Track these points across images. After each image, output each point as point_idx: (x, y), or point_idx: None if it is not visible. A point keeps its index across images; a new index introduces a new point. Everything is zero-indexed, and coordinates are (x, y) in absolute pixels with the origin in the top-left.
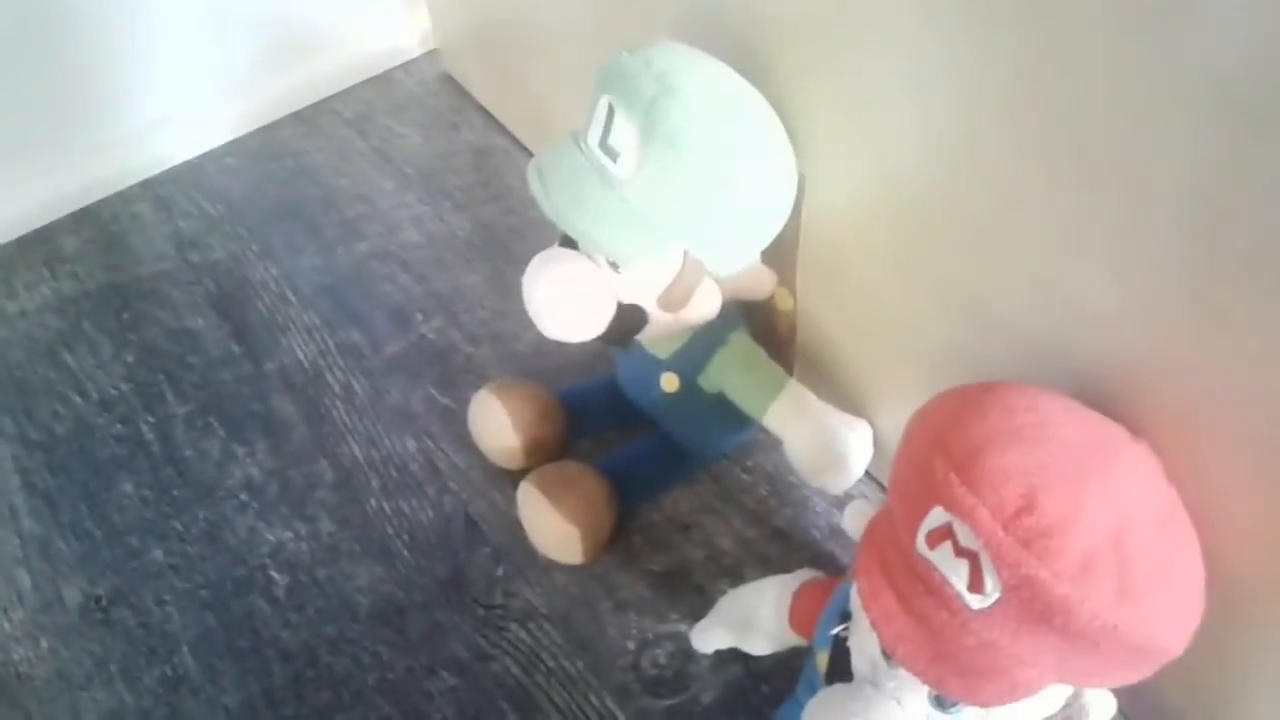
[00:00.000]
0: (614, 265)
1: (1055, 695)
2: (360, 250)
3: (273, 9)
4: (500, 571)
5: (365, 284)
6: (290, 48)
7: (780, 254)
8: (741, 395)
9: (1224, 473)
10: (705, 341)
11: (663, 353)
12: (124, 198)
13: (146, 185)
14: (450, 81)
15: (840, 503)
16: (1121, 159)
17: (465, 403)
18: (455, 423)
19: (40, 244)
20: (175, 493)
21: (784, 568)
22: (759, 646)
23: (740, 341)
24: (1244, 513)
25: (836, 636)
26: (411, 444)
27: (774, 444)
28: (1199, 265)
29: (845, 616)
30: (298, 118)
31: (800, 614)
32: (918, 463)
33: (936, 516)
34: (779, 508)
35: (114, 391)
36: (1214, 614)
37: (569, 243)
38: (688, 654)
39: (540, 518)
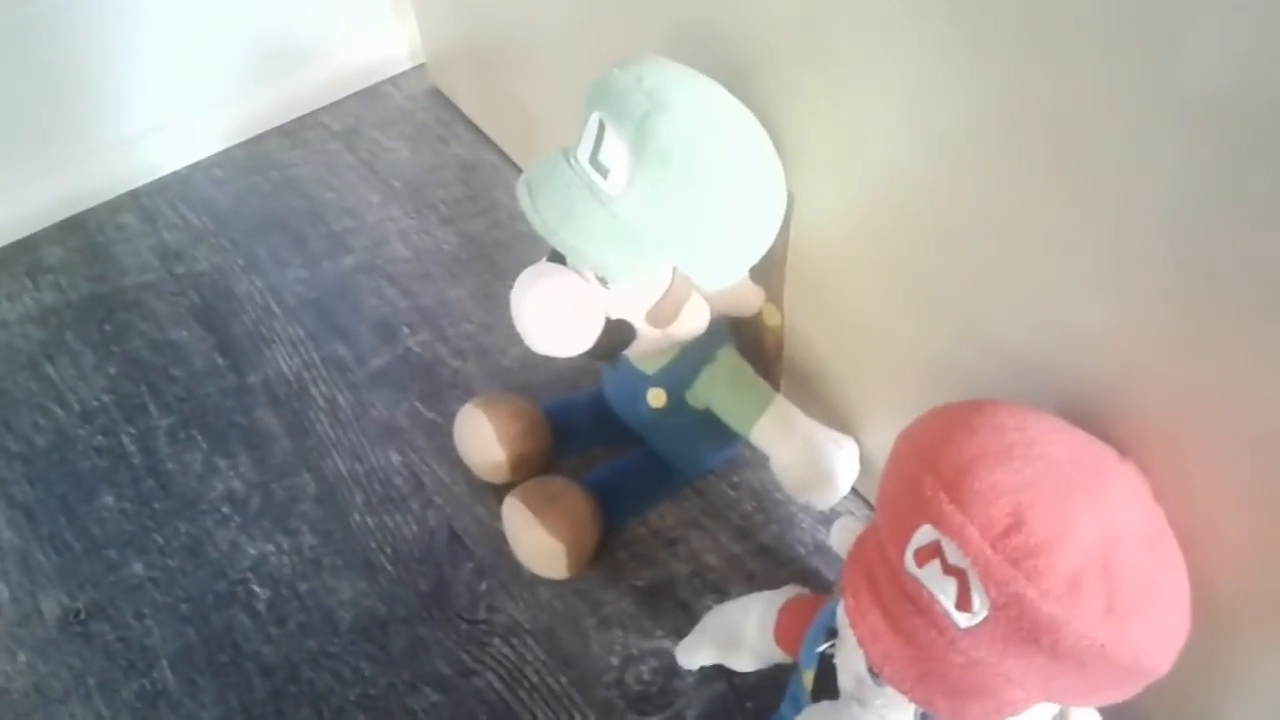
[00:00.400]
0: (602, 280)
1: (1042, 714)
2: (346, 263)
3: (261, 21)
4: (484, 586)
5: (351, 297)
6: (278, 60)
7: (769, 270)
8: (728, 411)
9: (1210, 492)
10: (693, 357)
11: (650, 368)
12: (109, 208)
13: (132, 196)
14: (438, 95)
15: (826, 519)
16: (1111, 179)
17: (451, 417)
18: (440, 437)
19: (23, 253)
20: (156, 505)
21: (769, 584)
22: (744, 663)
23: (728, 357)
24: (1230, 532)
25: (823, 654)
26: (396, 458)
27: (760, 460)
28: (1187, 286)
29: (831, 634)
30: (285, 130)
31: (785, 631)
32: (906, 480)
33: (925, 534)
34: (765, 524)
35: (95, 403)
36: (1199, 634)
37: (557, 257)
38: (672, 670)
39: (525, 532)
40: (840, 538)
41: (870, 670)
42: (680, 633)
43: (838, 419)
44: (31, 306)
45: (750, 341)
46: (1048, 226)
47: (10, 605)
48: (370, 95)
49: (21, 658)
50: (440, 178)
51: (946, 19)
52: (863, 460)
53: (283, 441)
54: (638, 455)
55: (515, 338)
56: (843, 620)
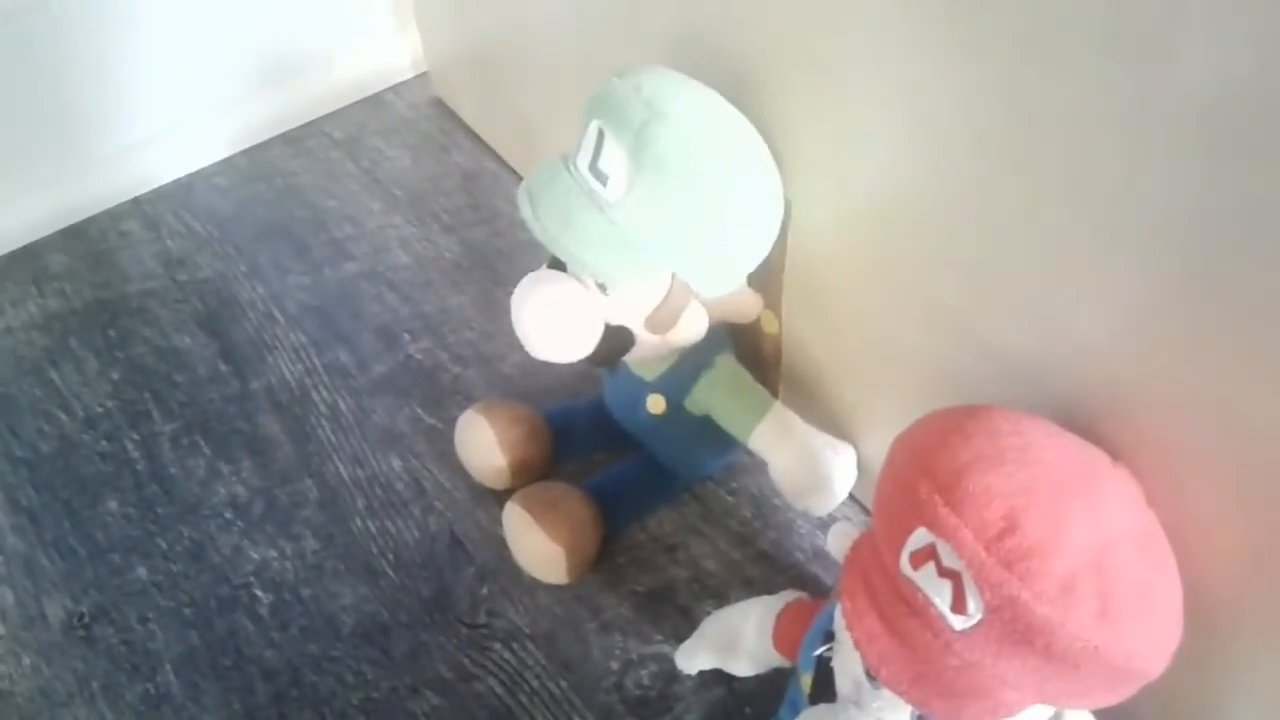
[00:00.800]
0: (602, 287)
1: (1036, 716)
2: (348, 270)
3: (265, 30)
4: (485, 591)
5: (353, 304)
6: (281, 69)
7: (767, 277)
8: (726, 417)
9: (1202, 496)
10: (691, 364)
11: (649, 374)
12: (113, 216)
13: (135, 203)
14: (440, 104)
15: (824, 525)
16: (1104, 186)
17: (452, 423)
18: (441, 442)
19: (28, 261)
20: (160, 510)
21: (768, 589)
22: (743, 668)
23: (726, 364)
24: (1222, 536)
25: (820, 657)
26: (397, 463)
27: (759, 466)
28: (1181, 292)
29: (829, 637)
30: (288, 138)
31: (784, 635)
32: (902, 484)
33: (920, 537)
34: (763, 530)
35: (99, 409)
36: (1192, 636)
37: (557, 264)
38: (672, 675)
39: (525, 537)
40: (837, 542)
41: (867, 673)
42: (680, 638)
43: (835, 425)
44: (36, 313)
45: (749, 348)
46: (1043, 233)
47: (15, 609)
48: (372, 104)
49: (26, 661)
50: (442, 186)
51: (943, 26)
52: (860, 466)
53: (285, 447)
54: (637, 461)
55: (516, 345)
56: (840, 624)
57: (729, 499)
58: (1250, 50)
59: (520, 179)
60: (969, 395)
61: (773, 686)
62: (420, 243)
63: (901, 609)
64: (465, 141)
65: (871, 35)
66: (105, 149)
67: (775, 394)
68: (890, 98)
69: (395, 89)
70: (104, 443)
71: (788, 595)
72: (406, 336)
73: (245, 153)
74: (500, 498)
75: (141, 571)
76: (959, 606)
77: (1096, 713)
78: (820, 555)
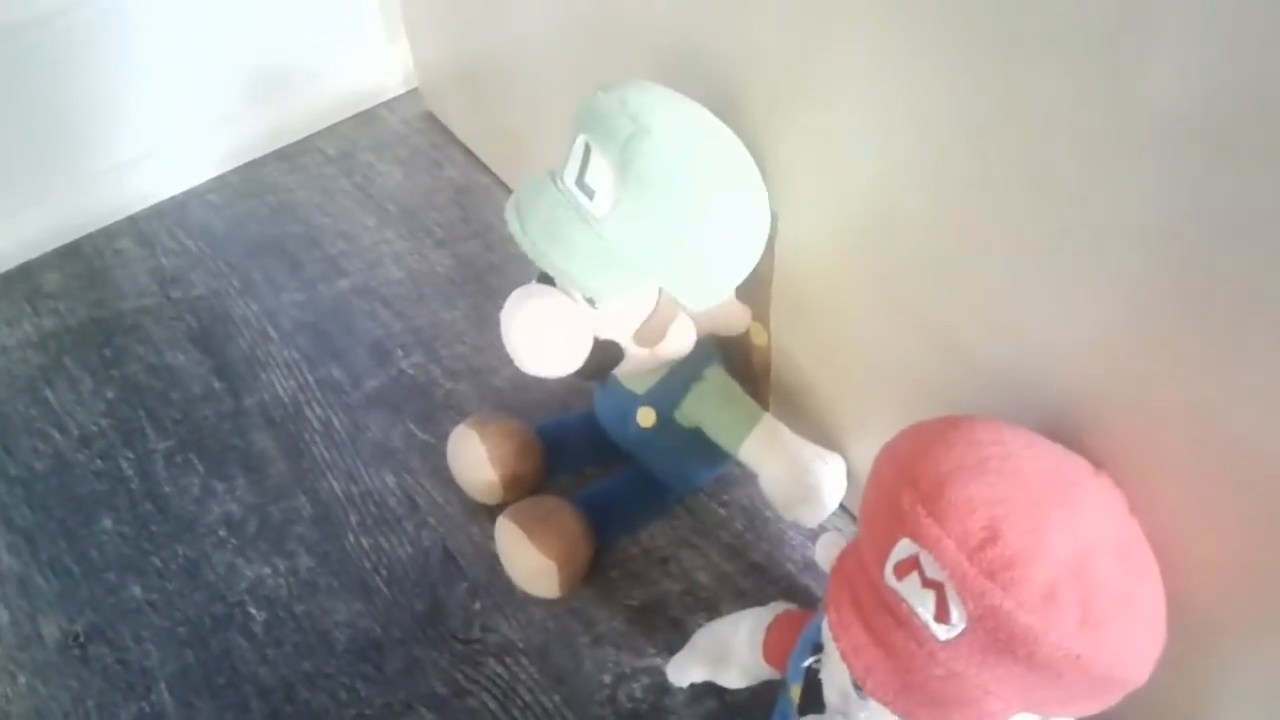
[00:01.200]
0: (590, 301)
1: None
2: (341, 286)
3: (257, 48)
4: (478, 606)
5: (346, 320)
6: (274, 85)
7: (755, 290)
8: (716, 430)
9: (1184, 505)
10: (681, 376)
11: (639, 388)
12: (107, 234)
13: (130, 221)
14: (432, 119)
15: (816, 536)
16: (1084, 198)
17: (444, 438)
18: (434, 458)
19: (22, 279)
20: (154, 529)
21: (760, 601)
22: (734, 680)
23: (715, 376)
24: (1205, 544)
25: (809, 668)
26: (390, 479)
27: (751, 478)
28: (1160, 303)
29: (817, 649)
30: (281, 155)
31: (774, 647)
32: (885, 495)
33: (904, 548)
34: (755, 542)
35: (94, 427)
36: (1177, 644)
37: (546, 279)
38: (664, 688)
39: (517, 552)
40: (824, 553)
41: (854, 684)
42: (672, 650)
43: (825, 436)
44: (31, 332)
45: (738, 361)
46: (1024, 246)
47: (10, 629)
48: (365, 120)
49: (22, 680)
50: (434, 201)
51: (924, 39)
52: (851, 477)
53: (279, 464)
54: (629, 474)
55: (508, 358)
56: (828, 635)
57: (721, 511)
58: (1217, 60)
59: (512, 192)
60: (955, 406)
61: (764, 699)
62: (413, 257)
63: (887, 619)
64: (457, 155)
65: (855, 52)
66: (99, 167)
67: (765, 405)
68: (873, 113)
69: (387, 105)
70: (98, 461)
71: (777, 607)
72: (399, 352)
73: (239, 170)
74: (493, 512)
75: (136, 590)
76: (943, 616)
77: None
78: (812, 566)
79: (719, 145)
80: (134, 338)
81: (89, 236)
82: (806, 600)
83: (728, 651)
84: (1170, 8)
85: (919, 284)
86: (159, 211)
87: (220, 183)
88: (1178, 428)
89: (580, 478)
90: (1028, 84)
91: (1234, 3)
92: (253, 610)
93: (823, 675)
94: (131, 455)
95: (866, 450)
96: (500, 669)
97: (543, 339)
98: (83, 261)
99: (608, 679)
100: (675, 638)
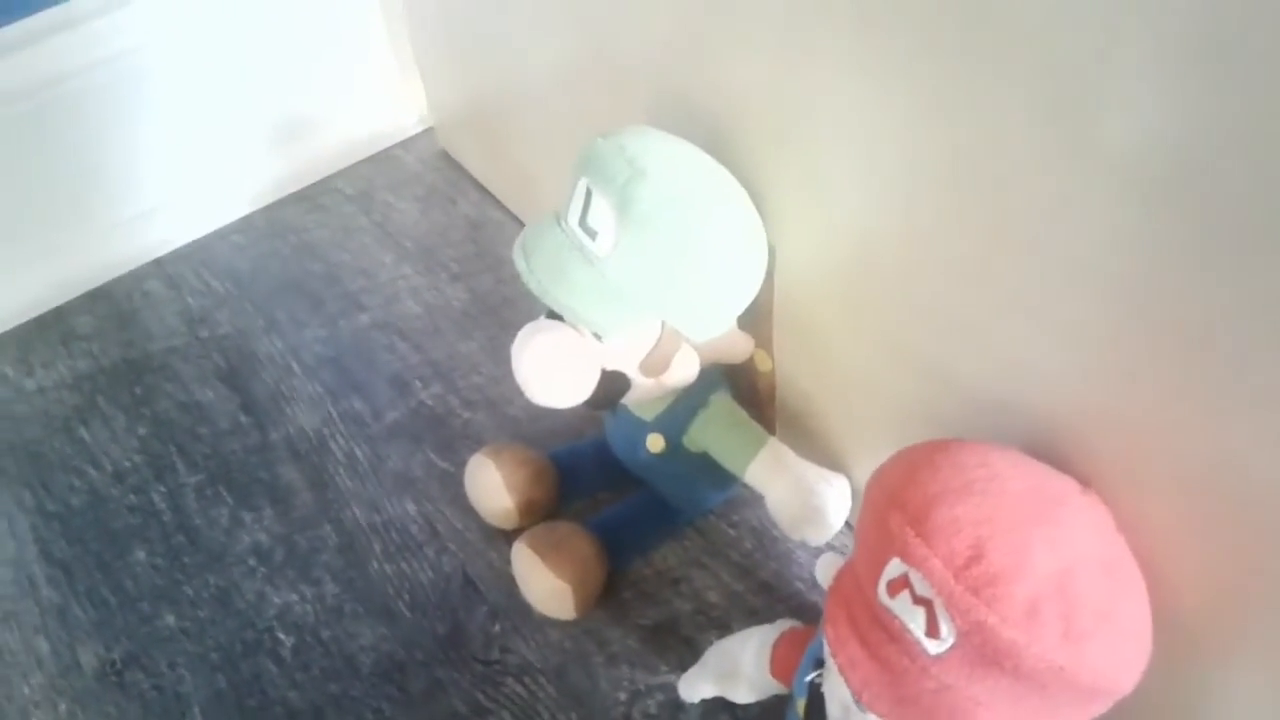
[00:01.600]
0: (596, 335)
1: None
2: (361, 321)
3: (276, 94)
4: (497, 628)
5: (366, 354)
6: (293, 130)
7: (757, 320)
8: (723, 454)
9: (1170, 521)
10: (688, 403)
11: (648, 415)
12: (135, 276)
13: (157, 264)
14: (447, 158)
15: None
16: (1052, 234)
17: (463, 466)
18: (453, 486)
19: (56, 323)
20: (186, 559)
21: (770, 619)
22: (743, 695)
23: (721, 402)
24: (1191, 559)
25: (811, 683)
26: (411, 507)
27: (758, 500)
28: (1127, 329)
29: (819, 664)
30: (302, 196)
31: (780, 662)
32: (876, 517)
33: (895, 567)
34: (764, 561)
35: (127, 463)
36: (1164, 657)
37: (556, 314)
38: (677, 704)
39: (533, 575)
40: (823, 572)
41: (854, 697)
42: (685, 668)
43: (830, 458)
44: (65, 373)
45: (744, 387)
46: (1000, 279)
47: (50, 658)
48: (382, 160)
49: (62, 707)
50: (450, 237)
51: (900, 90)
52: (855, 496)
53: (304, 495)
54: (640, 498)
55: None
56: (829, 651)
57: (730, 532)
58: (1164, 102)
59: (525, 226)
60: (950, 429)
61: (775, 714)
62: (430, 292)
63: (881, 635)
64: (471, 192)
65: (840, 99)
66: (126, 213)
67: (772, 430)
68: (856, 156)
69: (403, 144)
70: (132, 496)
71: (783, 624)
72: (418, 384)
73: (261, 211)
74: (510, 538)
75: (170, 619)
76: (933, 632)
77: None
78: (819, 585)
79: (714, 184)
80: (164, 376)
81: (118, 280)
82: (814, 617)
83: (736, 668)
84: (1123, 64)
85: (906, 315)
86: (185, 254)
87: (244, 224)
88: (1160, 447)
89: (593, 503)
90: (996, 132)
91: (1179, 63)
92: (281, 636)
93: (825, 689)
94: (163, 489)
95: (869, 471)
96: (519, 688)
97: (551, 372)
98: (113, 304)
99: (623, 696)
100: (688, 655)
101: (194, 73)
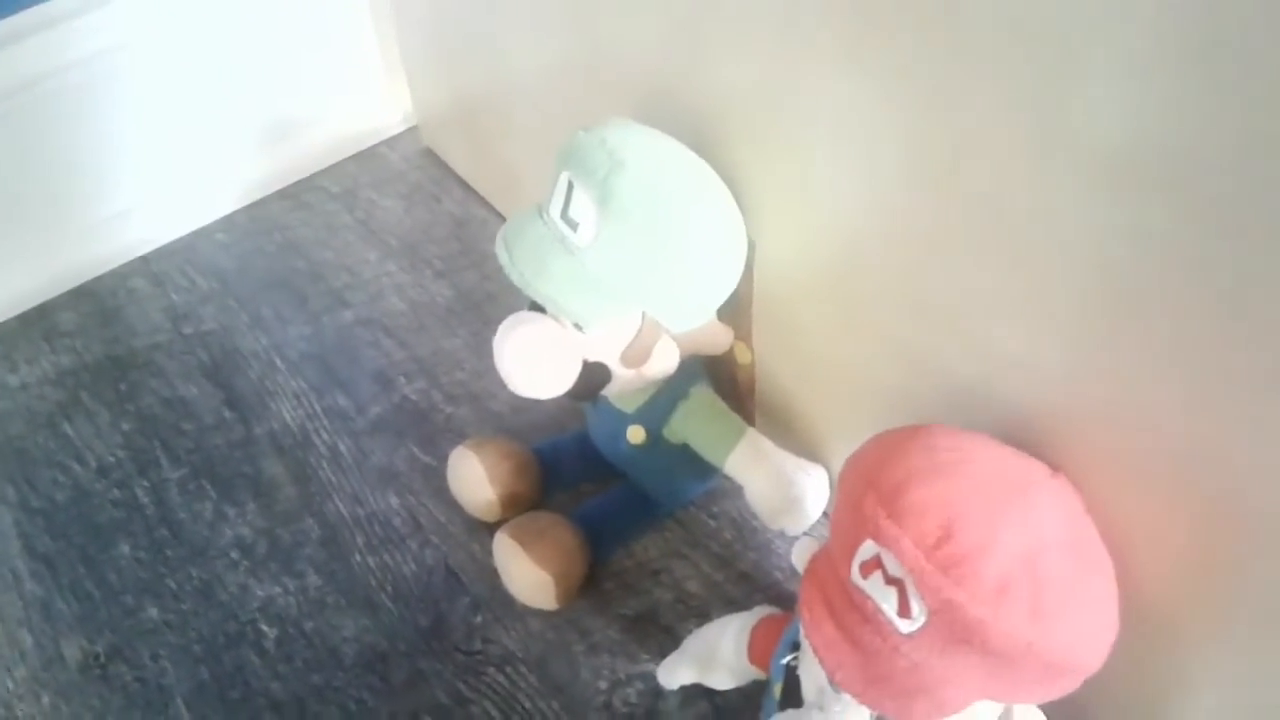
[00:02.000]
0: (578, 326)
1: (986, 714)
2: (345, 318)
3: (261, 92)
4: (479, 619)
5: (350, 350)
6: (278, 128)
7: (737, 312)
8: (703, 445)
9: (1138, 506)
10: (668, 395)
11: (629, 407)
12: (120, 274)
13: (142, 261)
14: (431, 156)
15: None
16: (1028, 225)
17: (445, 460)
18: (436, 479)
19: (40, 319)
20: (169, 553)
21: (748, 608)
22: (721, 681)
23: (701, 394)
24: (1158, 542)
25: (787, 665)
26: (394, 500)
27: (738, 491)
28: (1102, 320)
29: (795, 647)
30: (286, 194)
31: (758, 648)
32: (850, 500)
33: (867, 549)
34: (743, 551)
35: (111, 458)
36: (1134, 640)
37: (538, 306)
38: (657, 692)
39: (515, 565)
40: (799, 556)
41: (829, 679)
42: (665, 656)
43: (809, 449)
44: (49, 369)
45: (724, 379)
46: (977, 270)
47: (34, 650)
48: (366, 158)
49: (45, 700)
50: (434, 234)
51: (880, 86)
52: (833, 487)
53: (288, 489)
54: (621, 490)
55: (505, 384)
56: (804, 633)
57: (710, 523)
58: (1139, 100)
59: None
60: (927, 417)
61: (754, 702)
62: (414, 289)
63: (854, 616)
64: (455, 190)
65: (820, 96)
66: (110, 211)
67: (751, 422)
68: (839, 147)
69: (388, 142)
70: (115, 490)
71: (761, 611)
72: (402, 379)
73: (246, 209)
74: (493, 530)
75: (153, 611)
76: (904, 611)
77: (1048, 709)
78: (798, 575)
79: (694, 178)
80: (148, 372)
81: (103, 277)
82: (792, 605)
83: (715, 654)
84: (1099, 60)
85: (884, 308)
86: (169, 251)
87: (228, 222)
88: (1131, 434)
89: (575, 495)
90: (975, 125)
91: (1152, 57)
92: (264, 628)
93: (800, 672)
94: (147, 484)
95: None
96: (501, 678)
97: (533, 363)
98: (97, 301)
99: (604, 685)
100: (668, 644)
101: (179, 70)
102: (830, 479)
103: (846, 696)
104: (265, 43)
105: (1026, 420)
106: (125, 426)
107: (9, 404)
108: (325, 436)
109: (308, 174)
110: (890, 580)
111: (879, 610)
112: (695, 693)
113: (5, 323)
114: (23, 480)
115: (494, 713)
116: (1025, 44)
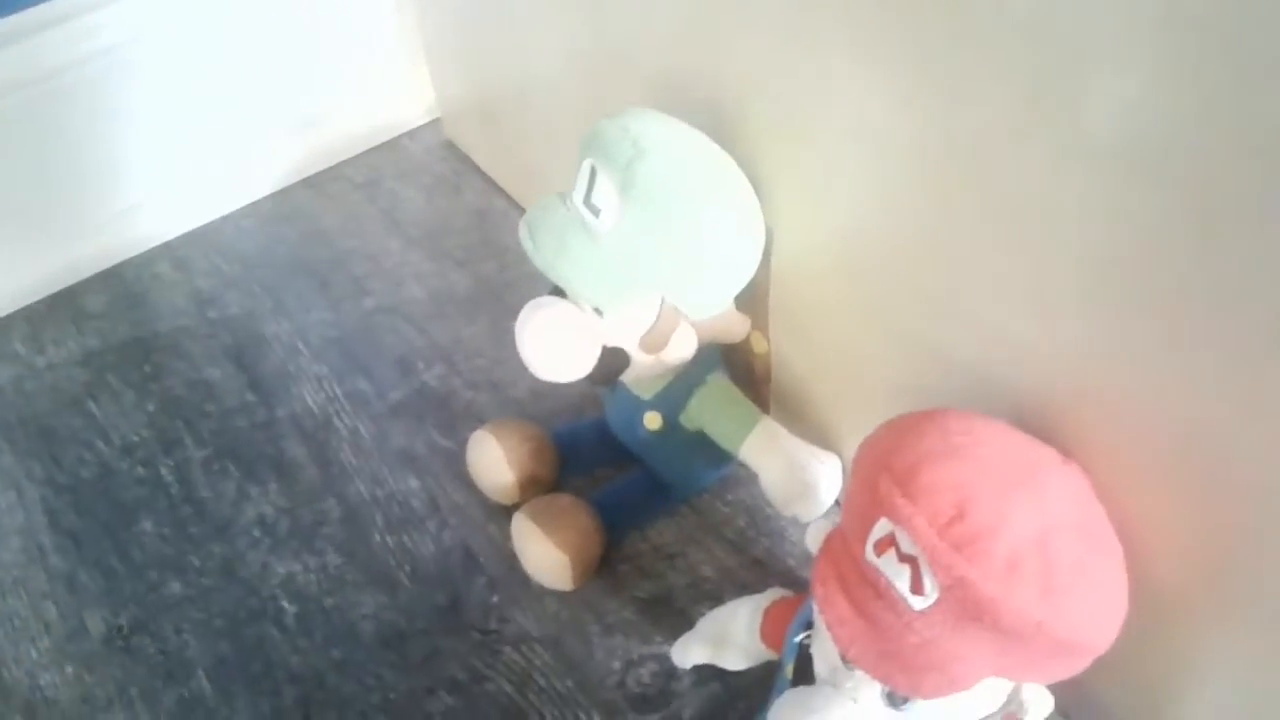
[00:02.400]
0: (598, 311)
1: (996, 692)
2: (367, 305)
3: (289, 84)
4: (495, 599)
5: (371, 336)
6: (304, 119)
7: (753, 301)
8: (718, 432)
9: (1149, 491)
10: (685, 382)
11: (646, 393)
12: (146, 259)
13: (167, 247)
14: (452, 147)
15: None
16: (1039, 214)
17: (465, 445)
18: (455, 463)
19: (68, 302)
20: (193, 530)
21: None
22: (734, 661)
23: (718, 382)
24: (1169, 527)
25: (800, 644)
26: (414, 482)
27: (752, 479)
28: (1111, 305)
29: (808, 626)
30: (310, 182)
31: (771, 629)
32: (865, 480)
33: (882, 527)
34: (757, 538)
35: (136, 438)
36: (1143, 623)
37: (558, 292)
38: (670, 673)
39: (532, 545)
40: (814, 537)
41: (842, 656)
42: (678, 638)
43: (823, 437)
44: (76, 350)
45: (740, 367)
46: (987, 260)
47: (59, 623)
48: (389, 149)
49: (69, 670)
50: (454, 224)
51: (892, 79)
52: (846, 474)
53: (309, 470)
54: (637, 475)
55: (525, 370)
56: (817, 609)
57: (724, 509)
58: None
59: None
60: (939, 406)
61: (765, 683)
62: (434, 278)
63: (868, 593)
64: (476, 181)
65: (834, 89)
66: (137, 197)
67: (766, 409)
68: (857, 143)
69: (410, 134)
70: (140, 469)
71: (774, 593)
72: (421, 365)
73: (270, 197)
74: (510, 512)
75: (176, 586)
76: (917, 588)
77: (1056, 689)
78: (810, 561)
79: (714, 166)
80: (172, 354)
81: (129, 261)
82: (804, 591)
83: (727, 634)
84: (1100, 56)
85: (898, 297)
86: (195, 238)
87: (253, 209)
88: (1141, 420)
89: (592, 479)
90: (981, 119)
91: (1151, 52)
92: (285, 604)
93: (813, 649)
94: (171, 463)
95: None
96: (517, 656)
97: (553, 346)
98: (124, 285)
99: (617, 665)
100: (682, 627)
101: (208, 60)
102: (843, 467)
103: (859, 672)
104: (294, 38)
105: (1038, 409)
106: (150, 407)
107: (37, 384)
108: (346, 419)
109: (332, 164)
110: (903, 558)
111: (892, 587)
112: (708, 673)
113: (34, 305)
114: (49, 458)
115: (509, 689)
116: (1034, 41)
